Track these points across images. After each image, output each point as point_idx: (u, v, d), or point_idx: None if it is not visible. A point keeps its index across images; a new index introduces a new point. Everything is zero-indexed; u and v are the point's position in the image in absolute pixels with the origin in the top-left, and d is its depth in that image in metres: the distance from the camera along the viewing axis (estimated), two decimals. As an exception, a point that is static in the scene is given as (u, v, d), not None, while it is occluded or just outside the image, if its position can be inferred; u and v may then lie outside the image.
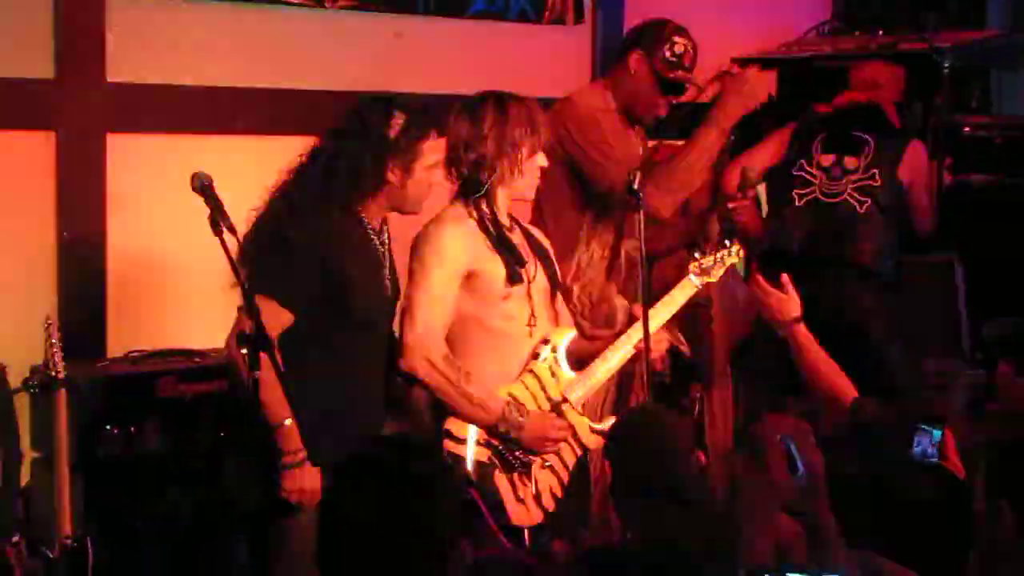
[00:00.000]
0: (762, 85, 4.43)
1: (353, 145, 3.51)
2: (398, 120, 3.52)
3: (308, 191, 3.49)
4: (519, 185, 3.73)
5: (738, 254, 4.03)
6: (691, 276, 3.96)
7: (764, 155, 5.19)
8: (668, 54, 4.31)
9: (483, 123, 3.68)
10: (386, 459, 2.37)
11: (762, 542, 2.31)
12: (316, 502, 3.24)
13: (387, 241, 3.67)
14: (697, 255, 3.98)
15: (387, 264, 3.65)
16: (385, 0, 5.53)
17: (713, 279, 3.99)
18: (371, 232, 3.60)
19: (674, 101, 4.41)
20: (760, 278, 3.86)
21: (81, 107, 4.84)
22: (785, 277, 3.84)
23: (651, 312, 3.87)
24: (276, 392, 3.20)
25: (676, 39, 4.33)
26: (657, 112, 4.38)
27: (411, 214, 3.67)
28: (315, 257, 3.45)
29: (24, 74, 4.77)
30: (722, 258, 3.99)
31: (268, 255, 3.39)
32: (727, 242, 4.03)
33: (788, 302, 3.78)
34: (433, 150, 3.59)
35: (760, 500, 2.33)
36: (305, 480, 3.37)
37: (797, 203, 5.13)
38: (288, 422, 3.33)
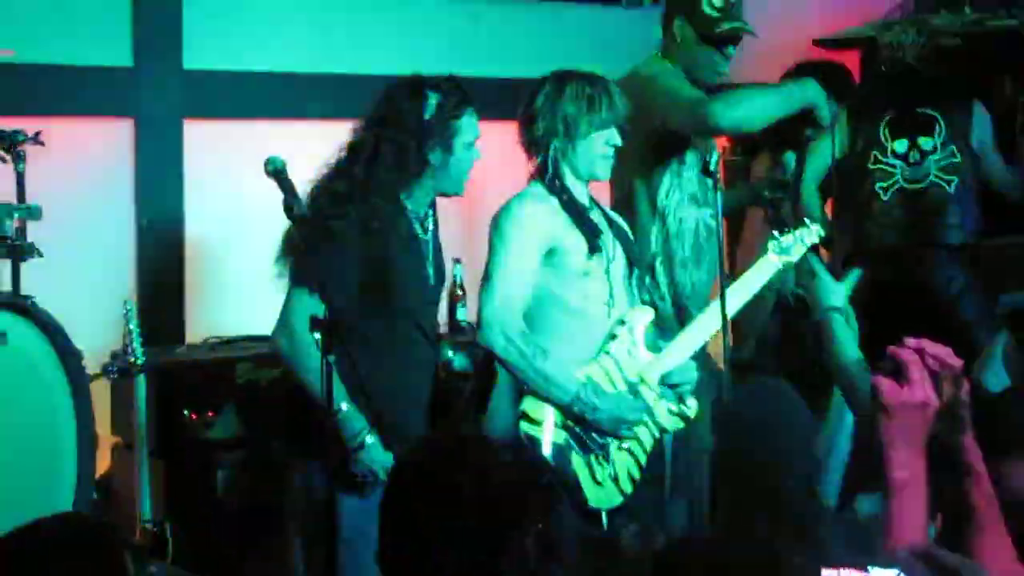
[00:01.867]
0: None
1: (392, 131, 3.51)
2: (431, 100, 3.52)
3: (355, 180, 3.49)
4: (582, 164, 3.69)
5: (819, 234, 3.96)
6: (770, 255, 3.89)
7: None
8: (707, 8, 4.11)
9: (536, 101, 3.67)
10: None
11: (911, 459, 2.25)
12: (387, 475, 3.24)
13: (432, 227, 3.66)
14: (776, 233, 3.92)
15: (430, 252, 3.63)
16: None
17: (793, 258, 3.91)
18: (414, 219, 3.59)
19: (732, 51, 4.19)
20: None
21: (159, 94, 4.88)
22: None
23: (730, 291, 3.80)
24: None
25: None
26: (719, 69, 4.18)
27: (454, 196, 3.66)
28: (358, 248, 3.46)
29: (104, 62, 4.82)
30: (802, 236, 3.92)
31: (311, 247, 3.36)
32: (807, 220, 3.97)
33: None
34: (470, 127, 3.59)
35: (908, 419, 2.26)
36: (374, 454, 3.40)
37: (883, 197, 5.02)
38: (345, 407, 3.36)
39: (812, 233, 3.93)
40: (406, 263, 3.55)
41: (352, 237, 3.44)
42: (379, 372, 3.51)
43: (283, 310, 3.50)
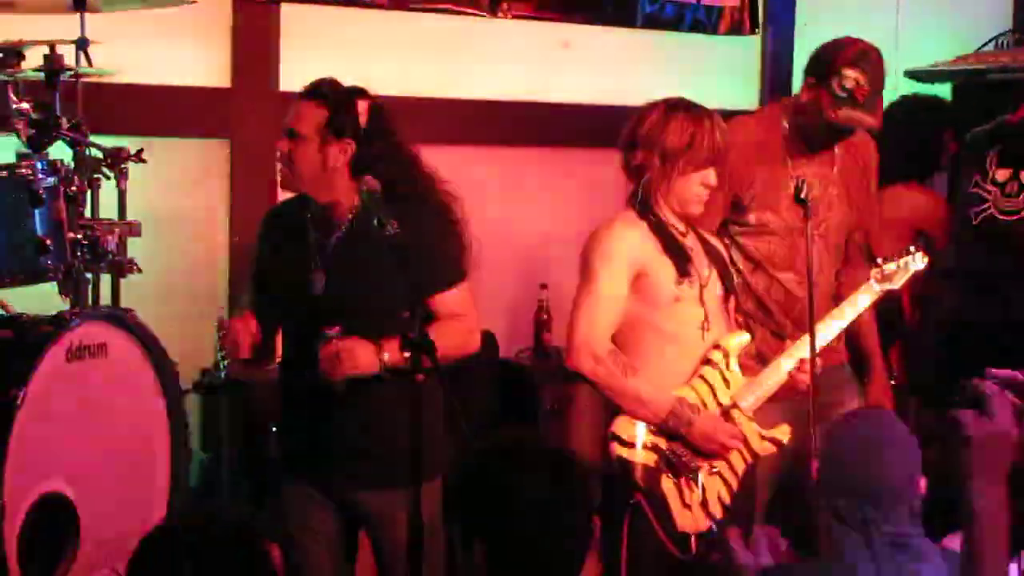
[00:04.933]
0: None
1: None
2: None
3: None
4: (675, 198, 3.67)
5: (922, 261, 3.95)
6: (872, 282, 3.89)
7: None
8: (837, 88, 3.94)
9: (642, 128, 3.67)
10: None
11: (993, 492, 2.24)
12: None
13: (344, 234, 3.48)
14: (880, 260, 3.91)
15: (322, 258, 3.47)
16: (558, 8, 5.52)
17: (896, 286, 3.91)
18: (308, 224, 3.51)
19: (842, 139, 4.05)
20: None
21: (254, 116, 4.95)
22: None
23: (829, 318, 3.85)
24: None
25: (847, 72, 3.91)
26: (827, 146, 4.07)
27: (298, 192, 3.54)
28: (255, 254, 3.65)
29: (202, 83, 4.91)
30: (905, 264, 3.91)
31: None
32: (912, 248, 3.95)
33: None
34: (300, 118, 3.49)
35: (990, 450, 2.26)
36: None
37: (974, 222, 4.99)
38: None
39: (916, 261, 3.92)
40: (281, 265, 3.55)
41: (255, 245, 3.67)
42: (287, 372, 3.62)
43: None
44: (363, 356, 3.31)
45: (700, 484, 3.65)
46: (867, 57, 3.97)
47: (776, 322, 4.04)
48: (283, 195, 4.91)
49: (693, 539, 3.62)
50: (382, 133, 3.50)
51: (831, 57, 3.98)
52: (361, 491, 3.48)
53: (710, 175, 3.66)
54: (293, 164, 3.49)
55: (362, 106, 3.49)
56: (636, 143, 3.67)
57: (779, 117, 4.10)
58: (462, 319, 3.51)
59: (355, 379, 3.34)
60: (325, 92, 3.50)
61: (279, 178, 3.57)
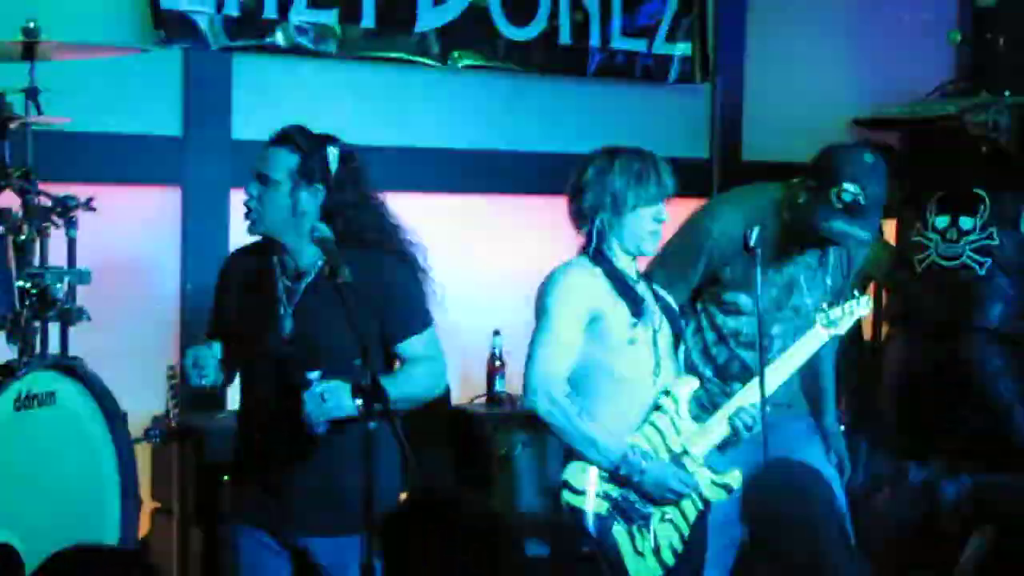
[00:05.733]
0: None
1: None
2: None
3: None
4: (628, 238, 3.70)
5: (867, 306, 3.98)
6: (818, 327, 3.92)
7: None
8: (835, 199, 3.88)
9: (586, 174, 3.70)
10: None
11: None
12: None
13: (315, 280, 3.49)
14: (825, 306, 3.94)
15: (291, 302, 3.48)
16: (509, 58, 5.55)
17: (840, 331, 3.94)
18: (276, 269, 3.54)
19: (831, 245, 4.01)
20: None
21: (207, 164, 4.95)
22: None
23: (777, 363, 3.87)
24: None
25: (847, 186, 3.85)
26: (816, 247, 4.02)
27: (267, 236, 3.54)
28: (215, 299, 3.67)
29: (153, 131, 4.91)
30: (851, 309, 3.94)
31: None
32: (855, 293, 3.98)
33: None
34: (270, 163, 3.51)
35: None
36: None
37: (917, 268, 5.05)
38: None
39: (862, 305, 3.95)
40: (247, 309, 3.57)
41: (217, 285, 3.67)
42: (248, 419, 3.63)
43: None
44: (346, 398, 3.31)
45: (652, 531, 3.65)
46: (872, 172, 3.91)
47: (731, 388, 4.04)
48: (235, 243, 4.95)
49: (646, 587, 3.61)
50: (352, 180, 3.54)
51: (836, 165, 3.92)
52: (315, 537, 3.47)
53: (661, 210, 3.70)
54: (263, 208, 3.49)
55: (332, 153, 3.52)
56: (584, 187, 3.70)
57: (768, 211, 4.04)
58: (433, 361, 3.56)
59: (330, 422, 3.35)
60: (296, 138, 3.52)
61: (248, 223, 3.55)
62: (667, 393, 3.70)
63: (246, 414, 3.62)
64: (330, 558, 3.45)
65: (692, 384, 3.76)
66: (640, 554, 3.63)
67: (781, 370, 3.88)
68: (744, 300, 4.03)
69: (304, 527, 3.48)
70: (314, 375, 3.34)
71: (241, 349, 3.57)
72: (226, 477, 4.27)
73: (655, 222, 3.71)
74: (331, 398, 3.32)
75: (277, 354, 3.46)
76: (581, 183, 3.71)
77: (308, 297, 3.50)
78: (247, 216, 3.54)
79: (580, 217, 3.73)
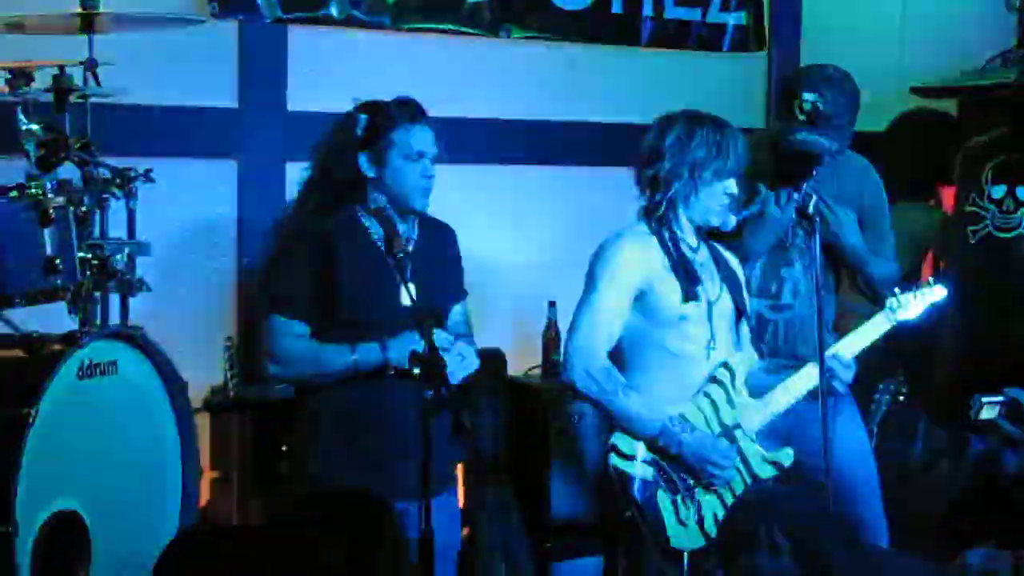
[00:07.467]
0: None
1: (321, 151, 3.72)
2: (361, 118, 3.69)
3: (293, 205, 3.73)
4: (698, 209, 3.68)
5: (940, 293, 3.94)
6: (887, 310, 3.89)
7: None
8: (797, 111, 3.88)
9: (665, 140, 3.65)
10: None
11: None
12: None
13: (421, 245, 3.69)
14: (897, 290, 3.90)
15: (404, 269, 3.50)
16: (562, 29, 5.52)
17: (911, 316, 3.91)
18: (373, 235, 3.63)
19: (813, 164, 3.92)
20: None
21: (262, 136, 4.97)
22: None
23: (843, 343, 3.83)
24: None
25: (805, 95, 3.87)
26: (803, 175, 3.93)
27: (410, 212, 3.68)
28: (298, 260, 3.62)
29: (209, 103, 4.93)
30: (923, 296, 3.91)
31: (266, 276, 3.67)
32: (931, 280, 3.95)
33: None
34: (404, 141, 3.67)
35: None
36: None
37: (970, 240, 4.98)
38: None
39: (933, 292, 3.92)
40: (357, 276, 3.60)
41: (291, 251, 3.64)
42: (346, 396, 3.62)
43: (266, 339, 3.66)
44: (475, 357, 3.59)
45: (697, 501, 3.64)
46: (829, 81, 3.90)
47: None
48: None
49: (686, 556, 3.60)
50: None
51: (791, 82, 3.98)
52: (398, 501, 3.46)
53: (732, 184, 3.66)
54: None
55: None
56: (661, 155, 3.64)
57: (763, 147, 4.04)
58: (468, 340, 3.70)
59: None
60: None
61: (426, 200, 3.68)
62: (725, 366, 3.68)
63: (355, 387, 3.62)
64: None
65: (751, 358, 3.74)
66: (683, 524, 3.61)
67: (846, 350, 3.82)
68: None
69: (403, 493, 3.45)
70: (448, 337, 3.54)
71: (358, 316, 3.60)
72: (284, 448, 4.32)
73: (726, 195, 3.66)
74: (468, 355, 3.56)
75: (399, 320, 3.55)
76: (660, 149, 3.65)
77: (416, 263, 3.61)
78: (428, 194, 3.68)
79: (652, 182, 3.68)
